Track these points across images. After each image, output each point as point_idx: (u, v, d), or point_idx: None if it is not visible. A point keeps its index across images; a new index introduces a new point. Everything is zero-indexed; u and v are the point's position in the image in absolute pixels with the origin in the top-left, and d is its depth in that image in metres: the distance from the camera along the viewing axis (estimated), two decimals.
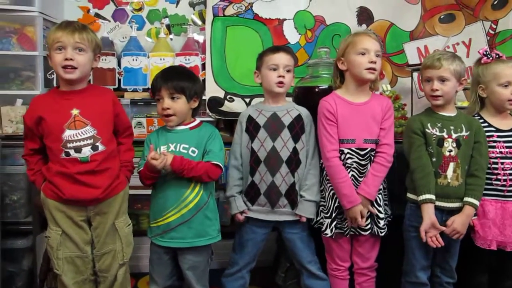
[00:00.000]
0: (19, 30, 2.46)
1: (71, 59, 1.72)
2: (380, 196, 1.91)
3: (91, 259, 1.83)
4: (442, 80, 1.88)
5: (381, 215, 1.90)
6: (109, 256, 1.84)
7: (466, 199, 1.86)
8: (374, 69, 1.88)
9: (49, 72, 2.52)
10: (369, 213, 1.89)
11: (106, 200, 1.80)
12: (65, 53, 1.73)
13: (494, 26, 2.84)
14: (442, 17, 2.86)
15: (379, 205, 1.90)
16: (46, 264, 2.18)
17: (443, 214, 1.86)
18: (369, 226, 1.89)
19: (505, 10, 2.82)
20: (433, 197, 1.83)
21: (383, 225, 1.90)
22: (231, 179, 2.01)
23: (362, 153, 1.89)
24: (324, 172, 1.96)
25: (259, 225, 1.98)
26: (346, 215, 1.89)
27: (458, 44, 2.85)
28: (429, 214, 1.83)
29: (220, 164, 1.89)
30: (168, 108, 1.87)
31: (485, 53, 1.98)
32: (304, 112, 2.01)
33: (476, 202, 1.85)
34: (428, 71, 1.91)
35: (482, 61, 1.98)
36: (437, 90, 1.89)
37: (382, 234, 1.91)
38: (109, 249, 1.84)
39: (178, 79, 1.89)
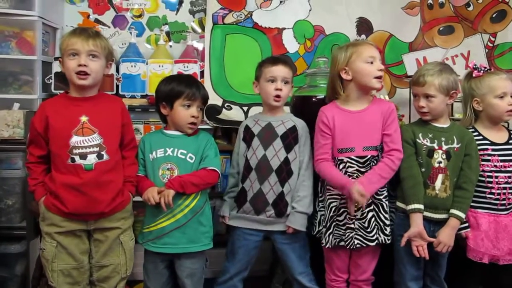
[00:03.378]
0: (18, 34, 2.46)
1: (84, 65, 1.74)
2: (385, 202, 1.88)
3: (87, 268, 1.82)
4: (427, 96, 1.88)
5: (387, 222, 1.88)
6: (109, 269, 1.83)
7: (452, 211, 1.86)
8: (381, 77, 1.87)
9: (47, 77, 2.52)
10: (374, 223, 1.86)
11: (108, 217, 1.79)
12: (79, 59, 1.74)
13: (493, 39, 2.85)
14: (441, 29, 2.87)
15: (385, 212, 1.88)
16: (39, 270, 2.16)
17: (431, 225, 1.87)
18: (375, 236, 1.86)
19: (504, 23, 2.84)
20: (421, 206, 1.84)
21: (390, 232, 1.88)
22: (228, 185, 2.07)
23: (362, 160, 1.87)
24: (325, 182, 1.95)
25: (250, 232, 1.98)
26: (350, 200, 1.81)
27: (457, 56, 2.86)
28: (416, 223, 1.83)
29: (217, 169, 1.92)
30: (197, 117, 1.92)
31: (474, 66, 1.99)
32: (299, 123, 2.01)
33: (462, 215, 1.85)
34: (414, 87, 1.93)
35: (474, 75, 1.98)
36: (423, 107, 1.89)
37: (389, 241, 1.88)
38: (110, 262, 1.83)
39: (205, 91, 1.98)
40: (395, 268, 1.97)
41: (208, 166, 1.90)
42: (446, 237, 1.84)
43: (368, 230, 1.85)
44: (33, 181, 1.81)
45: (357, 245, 1.85)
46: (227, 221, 2.02)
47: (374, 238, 1.86)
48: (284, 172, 1.95)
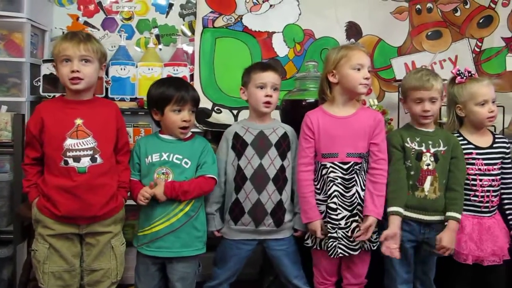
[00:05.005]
0: (7, 36, 2.45)
1: (77, 71, 1.74)
2: None
3: (79, 272, 1.81)
4: (433, 100, 1.91)
5: (374, 229, 1.88)
6: (100, 273, 1.82)
7: (448, 214, 1.88)
8: (367, 84, 1.88)
9: (36, 79, 2.50)
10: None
11: (101, 221, 1.79)
12: (71, 65, 1.74)
13: (480, 44, 2.89)
14: (429, 33, 2.90)
15: None
16: (26, 274, 2.14)
17: (421, 227, 1.89)
18: (358, 245, 1.87)
19: (490, 28, 2.88)
20: (401, 210, 1.86)
21: (375, 239, 1.89)
22: (212, 196, 1.98)
23: (345, 167, 1.87)
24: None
25: (244, 242, 1.96)
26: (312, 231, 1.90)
27: (444, 60, 2.89)
28: (394, 224, 1.84)
29: (215, 177, 1.91)
30: (189, 121, 1.90)
31: (458, 72, 2.01)
32: (289, 130, 2.01)
33: (458, 216, 1.88)
34: (419, 92, 1.91)
35: (457, 81, 2.01)
36: (428, 110, 1.91)
37: (375, 248, 1.90)
38: (101, 266, 1.82)
39: (195, 92, 1.95)
40: (385, 272, 1.97)
41: (207, 174, 1.89)
42: (448, 241, 1.86)
43: (351, 239, 1.86)
44: (27, 183, 1.80)
45: (340, 254, 1.86)
46: (219, 234, 1.98)
47: (357, 247, 1.87)
48: (281, 180, 1.94)
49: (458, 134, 2.01)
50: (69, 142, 1.73)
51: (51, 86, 2.46)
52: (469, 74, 2.01)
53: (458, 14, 2.89)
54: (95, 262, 1.81)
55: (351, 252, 1.86)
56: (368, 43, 2.84)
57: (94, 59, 1.78)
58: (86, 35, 1.81)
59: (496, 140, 2.01)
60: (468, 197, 1.94)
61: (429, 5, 2.88)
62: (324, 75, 1.94)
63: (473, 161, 1.95)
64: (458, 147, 1.95)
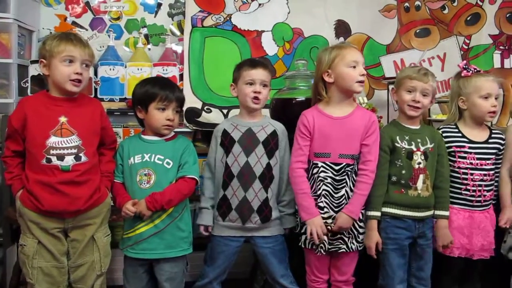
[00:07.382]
0: None
1: (80, 74, 1.75)
2: (361, 211, 1.90)
3: (67, 270, 1.79)
4: (424, 94, 1.93)
5: (361, 230, 1.90)
6: (84, 268, 1.81)
7: (436, 213, 1.93)
8: (363, 81, 1.89)
9: (23, 81, 2.48)
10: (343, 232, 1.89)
11: (86, 213, 1.78)
12: (75, 67, 1.74)
13: (468, 41, 2.91)
14: (417, 31, 2.92)
15: (360, 221, 1.90)
16: (16, 278, 2.12)
17: (416, 223, 1.91)
18: (337, 242, 1.88)
19: (478, 26, 2.91)
20: (380, 214, 1.91)
21: (362, 239, 1.91)
22: (207, 191, 2.01)
23: (336, 168, 1.87)
24: None
25: (231, 238, 1.97)
26: (307, 227, 1.87)
27: (433, 58, 2.91)
28: (375, 230, 1.90)
29: (195, 177, 1.90)
30: (173, 120, 1.90)
31: (464, 66, 2.04)
32: (279, 128, 2.01)
33: (446, 213, 1.93)
34: (414, 81, 1.92)
35: (463, 74, 2.03)
36: (418, 102, 1.92)
37: (361, 248, 1.91)
38: (85, 260, 1.81)
39: (180, 93, 1.96)
40: (381, 272, 1.96)
41: (187, 174, 1.88)
42: (445, 238, 1.92)
43: (336, 237, 1.88)
44: (10, 175, 1.78)
45: (322, 252, 1.88)
46: (206, 233, 1.99)
47: (336, 243, 1.88)
48: (267, 178, 1.94)
49: (454, 126, 2.03)
50: (52, 140, 1.72)
51: (39, 87, 2.44)
52: (475, 70, 2.03)
53: (446, 11, 2.91)
54: (80, 257, 1.80)
55: (332, 249, 1.88)
56: (357, 41, 2.85)
57: (91, 64, 1.82)
58: (85, 39, 1.84)
59: (493, 135, 2.03)
60: (459, 191, 1.97)
61: (417, 3, 2.90)
62: (319, 76, 1.94)
63: (465, 155, 1.97)
64: (441, 143, 1.97)
